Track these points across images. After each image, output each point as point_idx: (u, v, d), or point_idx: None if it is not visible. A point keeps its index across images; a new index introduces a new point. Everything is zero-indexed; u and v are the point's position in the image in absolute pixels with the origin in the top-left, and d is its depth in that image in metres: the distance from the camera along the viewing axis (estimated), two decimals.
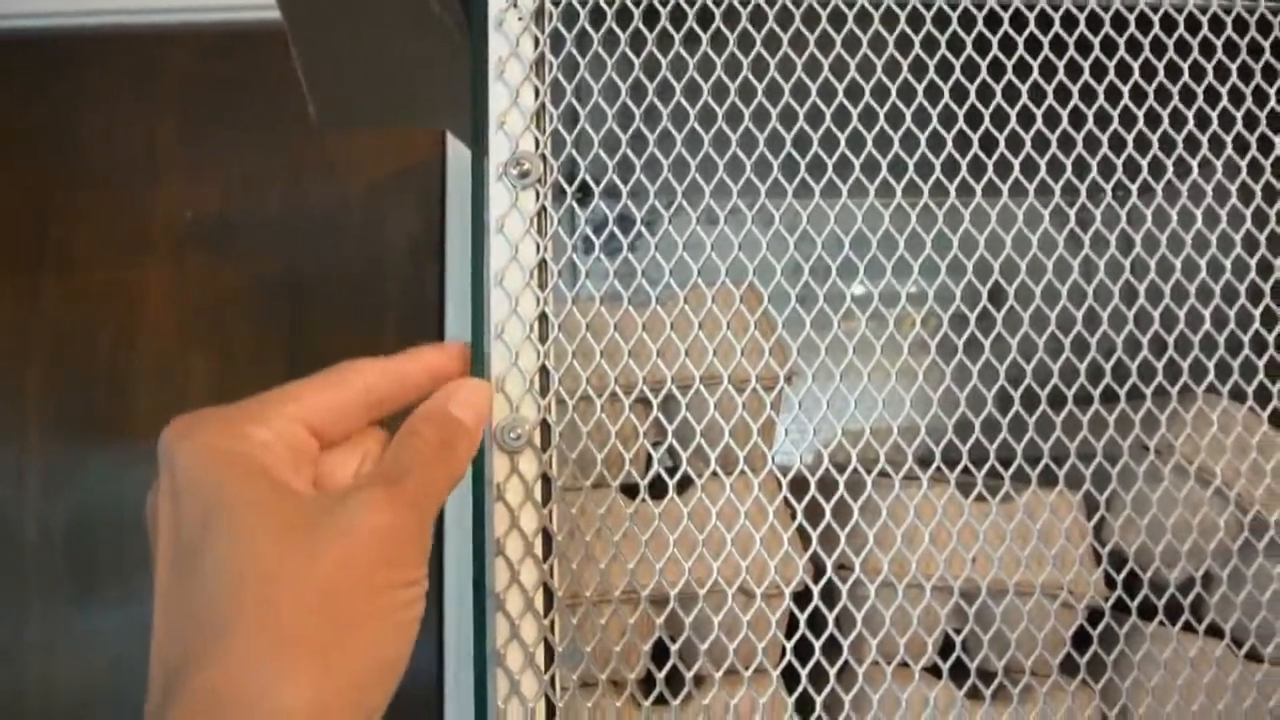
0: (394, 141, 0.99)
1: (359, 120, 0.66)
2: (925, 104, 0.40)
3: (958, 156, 0.41)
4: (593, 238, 0.39)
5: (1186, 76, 0.40)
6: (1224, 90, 0.40)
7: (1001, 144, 0.40)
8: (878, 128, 0.40)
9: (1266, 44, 0.41)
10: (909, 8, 0.39)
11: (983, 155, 0.40)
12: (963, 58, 0.40)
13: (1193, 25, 0.40)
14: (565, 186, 0.37)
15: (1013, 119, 0.40)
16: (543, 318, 0.36)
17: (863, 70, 0.40)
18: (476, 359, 0.35)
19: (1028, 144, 0.40)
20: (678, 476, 0.42)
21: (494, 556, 0.35)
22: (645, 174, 0.38)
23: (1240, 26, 0.40)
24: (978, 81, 0.40)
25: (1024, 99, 0.40)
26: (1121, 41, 0.40)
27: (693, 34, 0.38)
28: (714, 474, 0.40)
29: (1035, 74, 0.40)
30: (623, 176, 0.39)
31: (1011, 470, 0.42)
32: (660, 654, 0.40)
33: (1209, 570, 0.44)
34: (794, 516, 0.40)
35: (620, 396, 0.39)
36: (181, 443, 0.27)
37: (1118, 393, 0.42)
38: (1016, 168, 0.40)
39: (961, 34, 0.40)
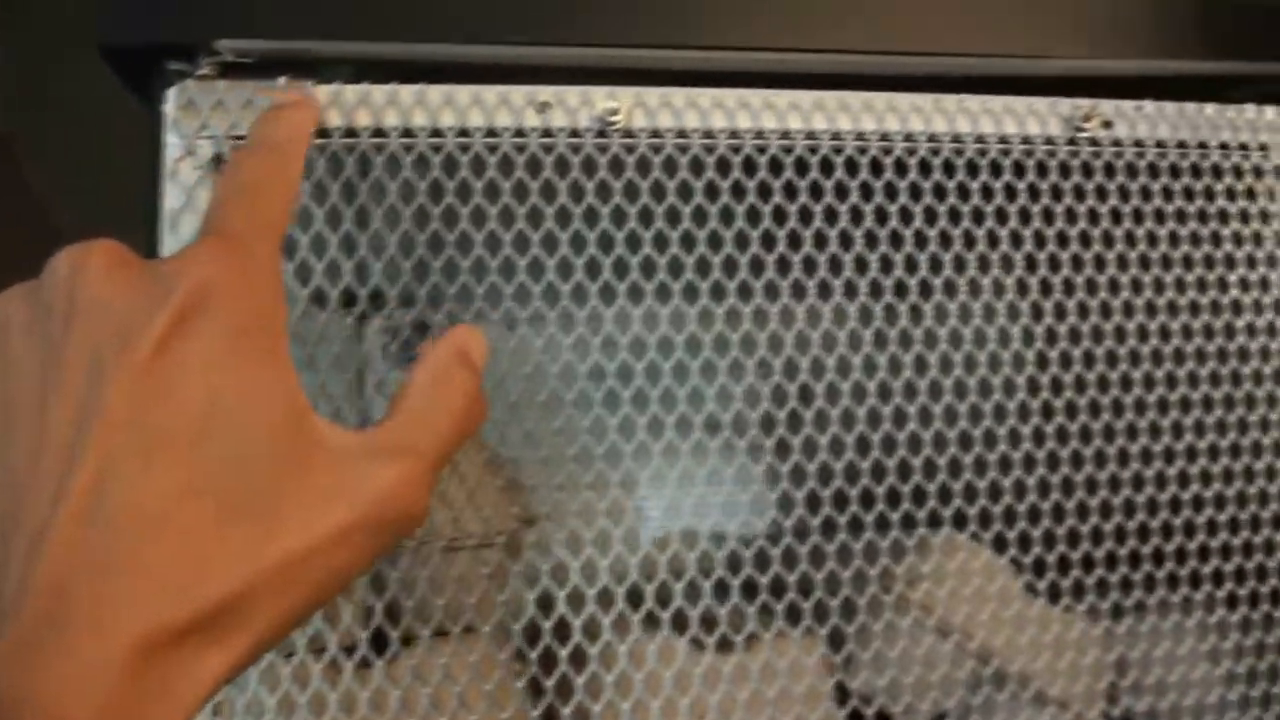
0: None
1: None
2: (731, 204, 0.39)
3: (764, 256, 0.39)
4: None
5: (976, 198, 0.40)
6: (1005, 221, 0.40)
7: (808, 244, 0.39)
8: (681, 230, 0.38)
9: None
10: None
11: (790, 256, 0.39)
12: (766, 157, 0.39)
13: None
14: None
15: (817, 218, 0.39)
16: None
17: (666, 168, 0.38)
18: None
19: (832, 243, 0.39)
20: (391, 650, 0.39)
21: None
22: (442, 279, 0.36)
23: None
24: (782, 179, 0.39)
25: (828, 197, 0.39)
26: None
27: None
28: (429, 642, 0.37)
29: (839, 170, 0.39)
30: (419, 283, 0.37)
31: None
32: None
33: None
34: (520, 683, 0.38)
35: None
36: (225, 275, 0.23)
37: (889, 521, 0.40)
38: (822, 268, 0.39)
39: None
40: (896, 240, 0.38)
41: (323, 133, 0.34)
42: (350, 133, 0.34)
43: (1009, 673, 0.42)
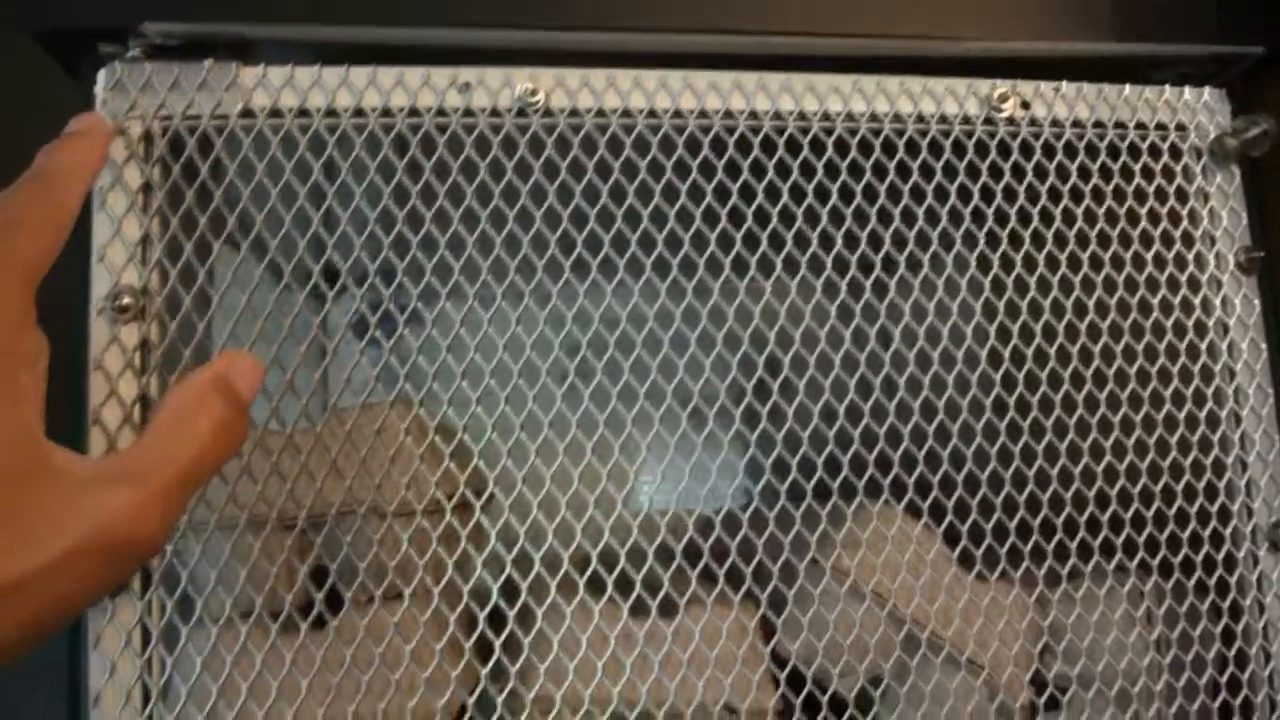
0: None
1: None
2: (700, 180, 0.40)
3: (733, 232, 0.40)
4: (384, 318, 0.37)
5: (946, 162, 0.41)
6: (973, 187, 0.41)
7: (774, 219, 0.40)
8: (652, 205, 0.39)
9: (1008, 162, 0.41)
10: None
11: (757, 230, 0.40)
12: (735, 135, 0.39)
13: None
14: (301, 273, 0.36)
15: (784, 194, 0.40)
16: None
17: (638, 147, 0.39)
18: None
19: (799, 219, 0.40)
20: (344, 610, 0.40)
21: None
22: (417, 257, 0.37)
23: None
24: (750, 158, 0.39)
25: (794, 174, 0.40)
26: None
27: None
28: (381, 602, 0.38)
29: (806, 150, 0.40)
30: (393, 262, 0.37)
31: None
32: None
33: (885, 685, 0.44)
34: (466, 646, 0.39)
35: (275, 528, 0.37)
36: None
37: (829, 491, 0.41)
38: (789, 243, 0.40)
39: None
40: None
41: (247, 112, 0.35)
42: (275, 113, 0.35)
43: (943, 638, 0.43)
